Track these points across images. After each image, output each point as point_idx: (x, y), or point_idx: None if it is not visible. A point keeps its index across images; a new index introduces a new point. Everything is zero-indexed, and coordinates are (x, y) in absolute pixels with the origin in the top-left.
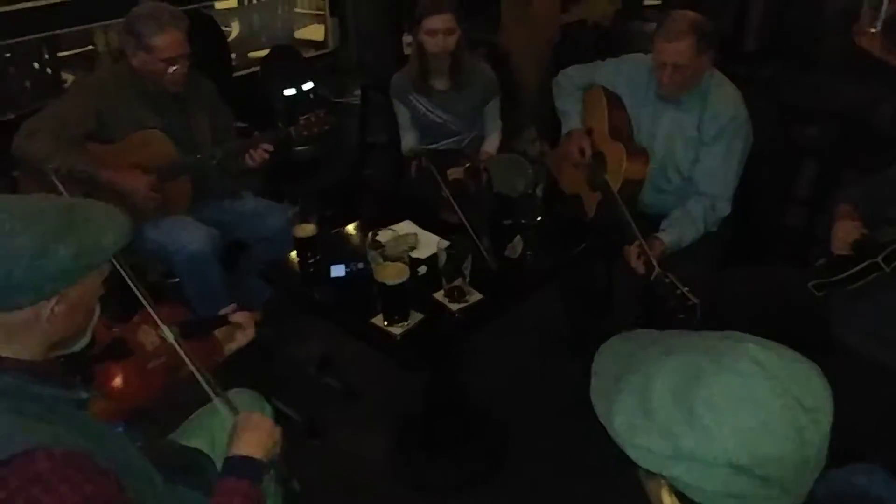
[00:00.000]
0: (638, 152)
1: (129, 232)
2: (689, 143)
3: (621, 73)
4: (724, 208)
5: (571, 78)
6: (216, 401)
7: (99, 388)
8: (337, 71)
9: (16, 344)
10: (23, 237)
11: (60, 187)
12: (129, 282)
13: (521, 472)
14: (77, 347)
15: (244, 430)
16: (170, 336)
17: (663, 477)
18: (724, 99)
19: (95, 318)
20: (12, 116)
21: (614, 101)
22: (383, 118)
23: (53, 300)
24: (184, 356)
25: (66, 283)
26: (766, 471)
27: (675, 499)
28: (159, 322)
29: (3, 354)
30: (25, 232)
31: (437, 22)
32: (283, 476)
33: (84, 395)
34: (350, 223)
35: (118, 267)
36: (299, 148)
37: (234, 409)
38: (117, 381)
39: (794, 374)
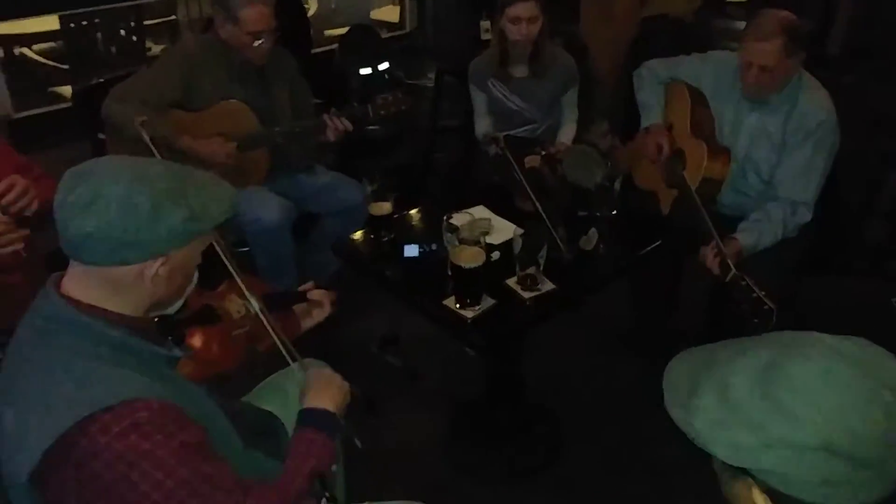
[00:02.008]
0: (719, 151)
1: (235, 203)
2: (772, 146)
3: (706, 70)
4: (805, 214)
5: (654, 71)
6: (294, 366)
7: (187, 350)
8: (412, 53)
9: (120, 299)
10: (141, 197)
11: (154, 149)
12: (220, 251)
13: (575, 466)
14: (171, 310)
15: (319, 384)
16: (255, 306)
17: (752, 476)
18: (814, 103)
19: (193, 284)
20: (101, 80)
21: (697, 98)
22: (456, 102)
23: (160, 261)
24: (267, 325)
25: (173, 245)
26: (858, 450)
27: (766, 499)
28: (247, 292)
29: (108, 308)
30: (144, 192)
31: (522, 10)
32: (348, 432)
33: (178, 353)
34: (419, 205)
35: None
36: (371, 127)
37: None
38: (205, 346)
39: (870, 356)
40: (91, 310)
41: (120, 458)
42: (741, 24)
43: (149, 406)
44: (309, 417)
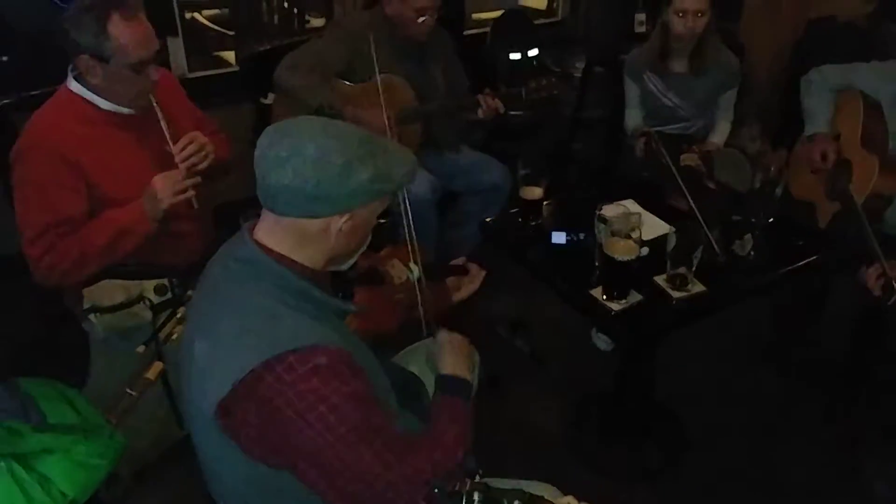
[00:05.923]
0: (893, 166)
1: (416, 169)
2: None
3: (887, 79)
4: None
5: (827, 77)
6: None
7: (359, 306)
8: (563, 41)
9: (304, 251)
10: (334, 155)
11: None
12: (405, 217)
13: (695, 474)
14: (345, 267)
15: (452, 350)
16: (414, 274)
17: None
18: None
19: (366, 244)
20: (266, 48)
21: (872, 108)
22: (602, 94)
23: (345, 216)
24: (418, 293)
25: (358, 203)
26: None
27: None
28: (412, 259)
29: (295, 259)
30: (337, 151)
31: (690, 2)
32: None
33: (351, 307)
34: (566, 193)
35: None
36: (513, 112)
37: None
38: (368, 305)
39: None
40: (280, 258)
41: (301, 397)
42: None
43: (327, 352)
44: (450, 384)
